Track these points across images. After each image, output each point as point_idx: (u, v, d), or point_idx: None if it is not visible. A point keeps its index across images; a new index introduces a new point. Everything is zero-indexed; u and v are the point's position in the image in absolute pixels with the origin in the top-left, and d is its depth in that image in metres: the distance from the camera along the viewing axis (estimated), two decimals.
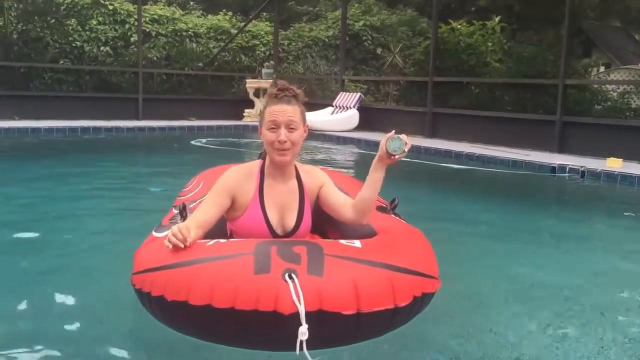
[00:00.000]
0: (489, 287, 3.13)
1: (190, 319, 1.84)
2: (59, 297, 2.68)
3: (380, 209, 2.65)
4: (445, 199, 5.92)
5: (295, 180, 2.37)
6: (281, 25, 15.05)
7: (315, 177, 2.40)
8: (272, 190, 2.31)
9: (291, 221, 2.30)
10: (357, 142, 10.20)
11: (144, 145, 10.08)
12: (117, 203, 4.93)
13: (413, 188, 6.80)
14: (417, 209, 5.48)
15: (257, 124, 2.41)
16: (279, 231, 2.28)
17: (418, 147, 9.22)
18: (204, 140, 9.83)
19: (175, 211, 2.48)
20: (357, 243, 1.97)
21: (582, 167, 7.14)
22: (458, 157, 8.52)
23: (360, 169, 8.45)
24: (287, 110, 2.23)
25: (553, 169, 7.37)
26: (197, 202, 2.55)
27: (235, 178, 2.30)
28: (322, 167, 2.70)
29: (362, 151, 9.48)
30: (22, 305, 2.60)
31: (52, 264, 3.20)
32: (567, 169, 7.27)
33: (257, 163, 2.39)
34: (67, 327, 2.41)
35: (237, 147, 9.57)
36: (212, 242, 1.99)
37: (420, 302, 1.96)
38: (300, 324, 1.66)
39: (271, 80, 13.13)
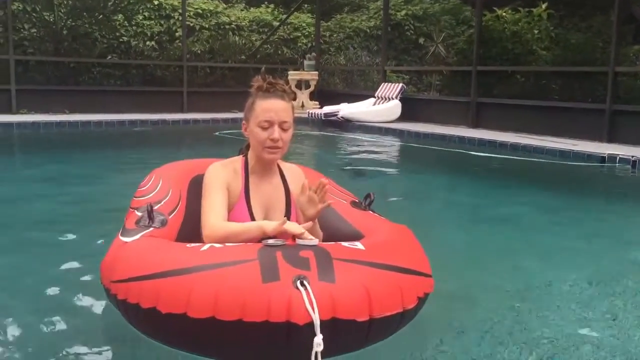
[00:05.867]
0: (534, 279, 3.08)
1: (189, 334, 1.70)
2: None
3: (354, 204, 2.54)
4: (489, 191, 5.84)
5: (279, 178, 2.27)
6: (323, 16, 15.03)
7: (298, 180, 2.27)
8: (258, 189, 2.21)
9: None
10: (399, 133, 10.13)
11: (188, 137, 10.26)
12: None
13: (456, 179, 6.74)
14: (460, 200, 5.43)
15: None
16: None
17: (461, 137, 9.12)
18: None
19: (139, 213, 2.28)
20: (359, 245, 1.88)
21: (633, 157, 6.92)
22: (503, 147, 8.38)
23: (402, 160, 8.41)
24: (281, 109, 2.14)
25: (602, 159, 7.17)
26: (162, 203, 2.39)
27: (225, 174, 2.19)
28: (300, 164, 2.52)
29: (404, 143, 9.42)
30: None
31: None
32: (618, 159, 7.07)
33: (240, 160, 2.27)
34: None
35: None
36: (206, 246, 1.83)
37: (422, 302, 1.91)
38: (315, 334, 1.56)
39: (313, 71, 13.17)
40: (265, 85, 2.16)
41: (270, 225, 2.00)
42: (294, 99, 12.96)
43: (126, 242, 2.02)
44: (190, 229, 2.29)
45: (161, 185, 2.60)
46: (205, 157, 2.89)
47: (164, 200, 2.42)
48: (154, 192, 2.53)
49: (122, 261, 1.92)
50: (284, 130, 2.16)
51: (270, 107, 2.14)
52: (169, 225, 2.22)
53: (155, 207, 2.28)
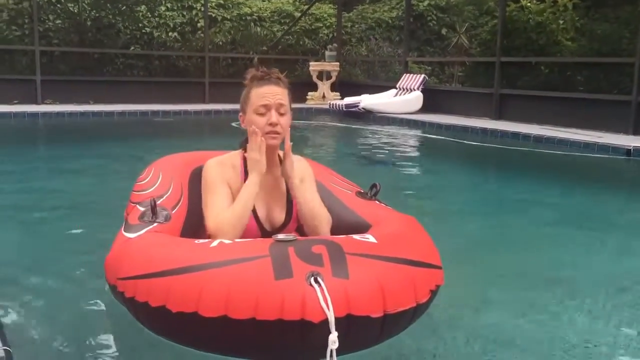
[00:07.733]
0: (554, 274, 3.05)
1: (200, 332, 1.66)
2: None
3: (360, 194, 2.50)
4: (512, 183, 5.79)
5: (279, 169, 2.20)
6: (344, 7, 14.96)
7: (297, 168, 2.19)
8: None
9: (279, 215, 2.17)
10: (421, 124, 10.08)
11: (210, 128, 10.34)
12: None
13: (479, 172, 6.69)
14: (483, 193, 5.40)
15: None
16: (267, 227, 2.14)
17: (484, 129, 9.03)
18: None
19: (141, 208, 2.22)
20: (371, 238, 1.83)
21: None
22: (526, 139, 8.29)
23: (424, 152, 8.37)
24: (277, 93, 2.12)
25: (628, 152, 7.06)
26: (164, 197, 2.33)
27: (223, 171, 2.15)
28: (308, 157, 2.46)
29: (426, 134, 9.37)
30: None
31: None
32: None
33: (238, 154, 2.22)
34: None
35: (297, 131, 9.63)
36: (216, 243, 1.78)
37: (434, 295, 1.88)
38: (330, 332, 1.54)
39: (334, 62, 13.13)
40: (259, 74, 2.15)
41: (254, 177, 2.07)
42: (315, 92, 13.00)
43: (131, 238, 1.98)
44: (194, 224, 2.27)
45: (161, 178, 2.53)
46: (214, 150, 2.80)
47: (166, 195, 2.37)
48: (154, 186, 2.47)
49: (129, 258, 1.87)
50: (281, 114, 2.12)
51: (265, 93, 2.12)
52: (172, 220, 2.17)
53: (158, 202, 2.22)
